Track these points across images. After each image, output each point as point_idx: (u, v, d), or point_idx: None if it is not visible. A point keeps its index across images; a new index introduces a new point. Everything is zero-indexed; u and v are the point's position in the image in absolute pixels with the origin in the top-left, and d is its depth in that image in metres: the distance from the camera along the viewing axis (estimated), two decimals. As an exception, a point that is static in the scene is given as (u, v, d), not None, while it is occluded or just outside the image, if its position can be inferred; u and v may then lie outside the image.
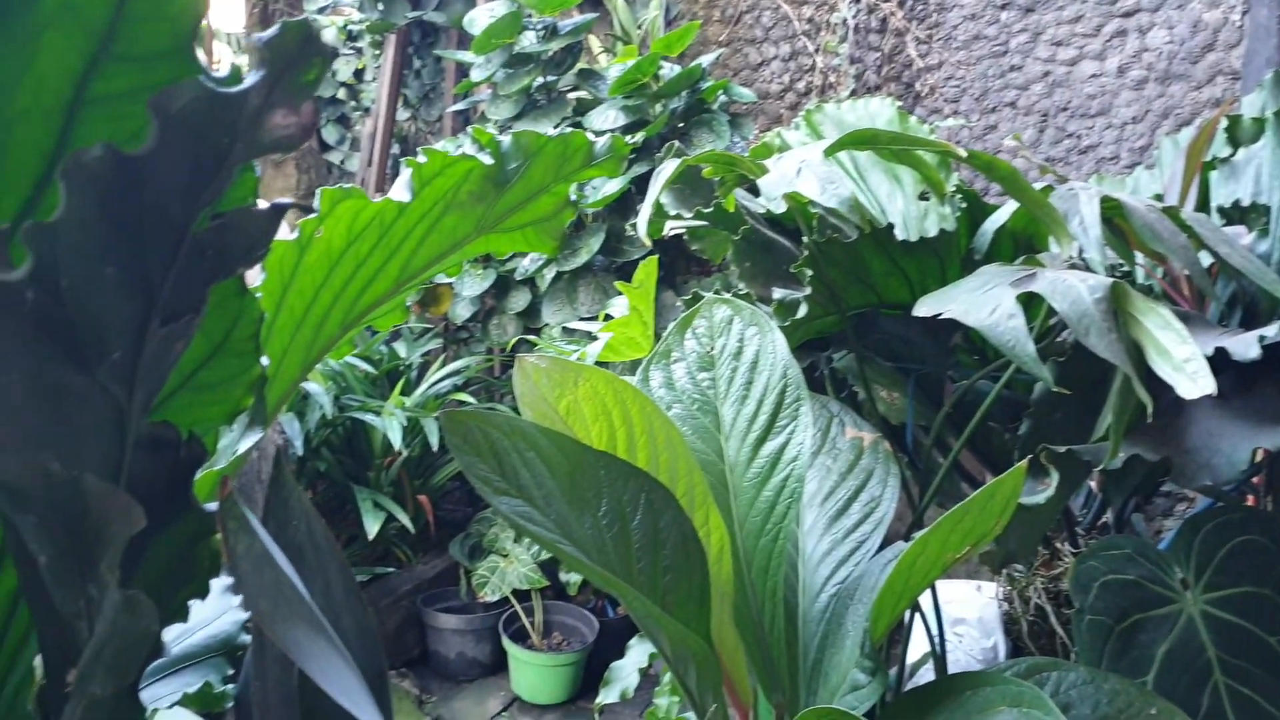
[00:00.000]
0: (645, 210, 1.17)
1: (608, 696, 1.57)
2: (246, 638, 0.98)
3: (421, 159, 0.82)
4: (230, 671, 0.97)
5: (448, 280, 3.40)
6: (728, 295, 1.22)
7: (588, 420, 1.07)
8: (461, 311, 3.39)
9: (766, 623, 1.10)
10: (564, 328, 3.03)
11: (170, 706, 0.89)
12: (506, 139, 0.89)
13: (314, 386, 3.05)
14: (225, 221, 0.35)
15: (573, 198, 1.00)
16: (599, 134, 2.77)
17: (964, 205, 1.40)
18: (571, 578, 3.22)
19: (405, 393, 3.29)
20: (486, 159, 0.87)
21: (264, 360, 0.50)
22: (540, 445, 0.98)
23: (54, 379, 0.35)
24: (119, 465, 0.40)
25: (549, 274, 3.05)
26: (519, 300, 3.25)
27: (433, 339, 3.67)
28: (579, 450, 0.99)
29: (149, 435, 0.48)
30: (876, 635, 1.00)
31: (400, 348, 3.51)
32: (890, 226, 1.26)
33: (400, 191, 0.78)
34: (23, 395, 0.34)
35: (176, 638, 0.97)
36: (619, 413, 1.06)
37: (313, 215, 0.75)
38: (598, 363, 1.55)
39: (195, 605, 1.04)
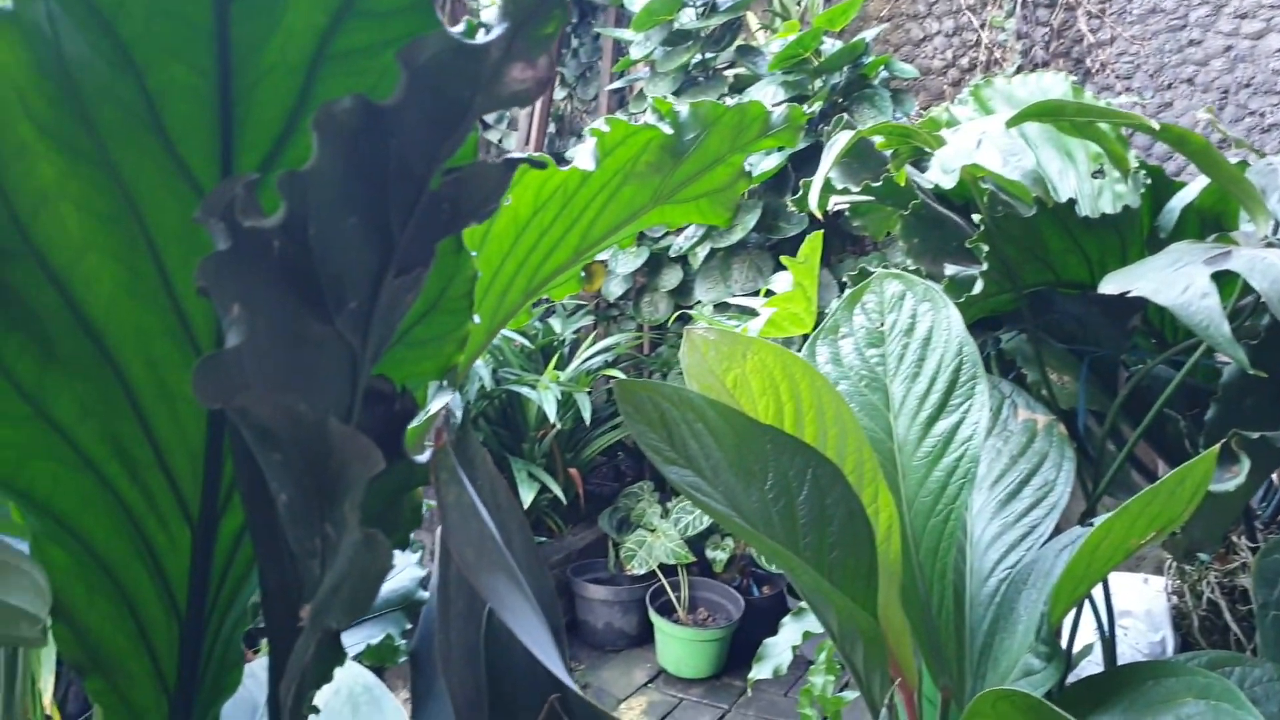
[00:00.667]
0: (817, 183, 1.16)
1: (760, 672, 1.56)
2: (424, 594, 1.02)
3: (605, 128, 0.83)
4: (408, 626, 1.00)
5: (602, 258, 3.44)
6: (898, 270, 1.20)
7: (755, 394, 1.07)
8: (614, 288, 3.43)
9: (934, 604, 1.09)
10: (716, 306, 3.03)
11: (353, 658, 0.92)
12: (684, 109, 0.90)
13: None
14: (462, 175, 0.36)
15: (747, 169, 1.00)
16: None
17: (1148, 182, 1.34)
18: (718, 555, 3.23)
19: (559, 368, 3.34)
20: (666, 129, 0.87)
21: (475, 318, 0.52)
22: (708, 417, 0.98)
23: (296, 326, 0.37)
24: (350, 411, 0.42)
25: (702, 251, 3.05)
26: (671, 278, 3.26)
27: (585, 315, 3.71)
28: (745, 423, 0.99)
29: (369, 387, 0.50)
30: (1054, 619, 0.97)
31: (555, 323, 3.57)
32: (1071, 202, 1.21)
33: (585, 160, 0.79)
34: (268, 340, 0.36)
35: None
36: (787, 387, 1.06)
37: (502, 183, 0.76)
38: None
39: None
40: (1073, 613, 1.37)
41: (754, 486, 0.99)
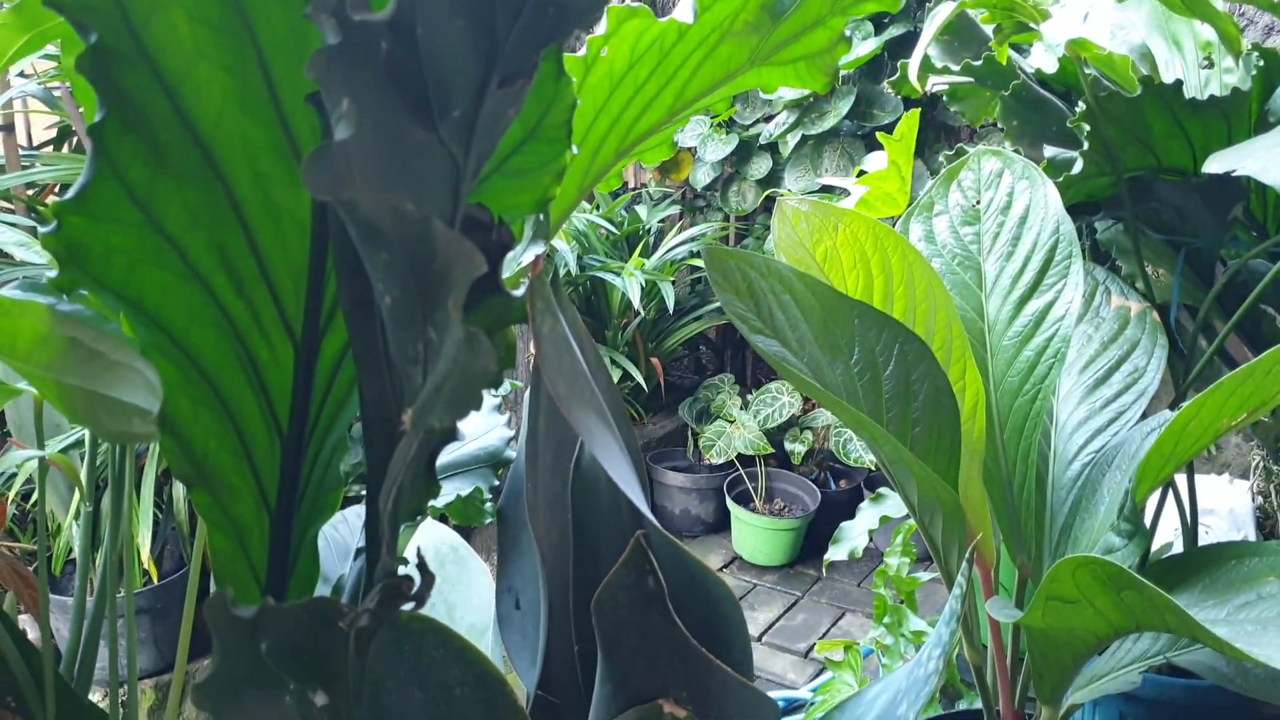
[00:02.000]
0: (916, 56, 1.13)
1: (836, 554, 1.58)
2: (511, 453, 1.04)
3: (704, -18, 0.81)
4: (495, 483, 1.03)
5: (689, 146, 3.40)
6: (998, 149, 1.17)
7: (844, 268, 1.06)
8: (701, 177, 3.39)
9: (1016, 484, 1.08)
10: (805, 194, 2.99)
11: (443, 509, 0.95)
12: (786, -31, 0.87)
13: (559, 243, 3.13)
14: (567, -20, 0.36)
15: (847, 34, 0.97)
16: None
17: (1260, 64, 1.28)
18: (796, 448, 3.24)
19: (644, 255, 3.34)
20: (766, -14, 0.85)
21: (574, 149, 0.52)
22: (795, 289, 0.98)
23: (401, 129, 0.37)
24: (451, 223, 0.43)
25: (792, 139, 3.00)
26: (760, 166, 3.21)
27: (671, 205, 3.69)
28: (833, 296, 0.98)
29: (467, 215, 0.50)
30: (1139, 497, 0.96)
31: (641, 211, 3.55)
32: (1178, 83, 1.16)
33: (684, 12, 0.78)
34: (374, 139, 0.36)
35: (449, 446, 1.04)
36: (878, 260, 1.05)
37: (598, 34, 0.75)
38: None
39: (469, 418, 1.11)
40: (1154, 506, 1.36)
41: (840, 360, 0.99)
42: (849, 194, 1.47)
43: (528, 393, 0.83)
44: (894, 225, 1.27)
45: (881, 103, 2.78)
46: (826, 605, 2.86)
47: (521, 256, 0.70)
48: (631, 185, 4.14)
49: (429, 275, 0.37)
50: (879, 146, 1.53)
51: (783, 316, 0.98)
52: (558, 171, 0.52)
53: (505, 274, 0.75)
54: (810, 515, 3.13)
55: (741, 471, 3.26)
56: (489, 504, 1.04)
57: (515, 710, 0.65)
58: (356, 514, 0.98)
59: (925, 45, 1.11)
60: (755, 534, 3.12)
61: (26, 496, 2.05)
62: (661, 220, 3.67)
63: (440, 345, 0.39)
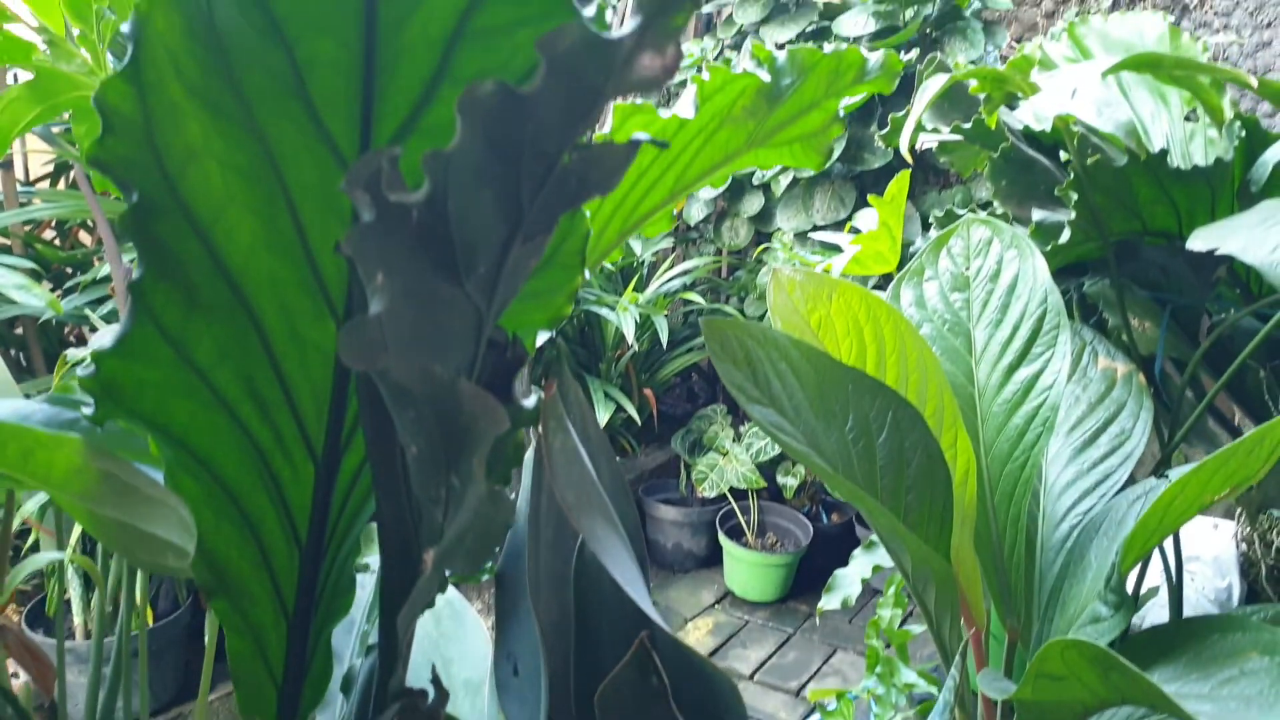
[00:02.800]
0: (909, 126, 1.16)
1: (830, 602, 1.60)
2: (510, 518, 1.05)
3: (705, 75, 0.84)
4: (496, 549, 1.04)
5: (683, 181, 3.44)
6: (984, 215, 1.19)
7: (838, 335, 1.09)
8: (695, 212, 3.43)
9: (1006, 548, 1.11)
10: (797, 234, 3.02)
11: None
12: (782, 55, 0.90)
13: (551, 279, 3.15)
14: (590, 154, 0.38)
15: (841, 113, 1.00)
16: (848, 40, 2.73)
17: (1242, 134, 1.31)
18: (789, 481, 3.26)
19: (638, 289, 3.36)
20: (764, 75, 0.88)
21: (587, 274, 0.54)
22: (791, 356, 1.00)
23: (429, 288, 0.40)
24: (473, 367, 0.45)
25: (785, 179, 3.03)
26: (753, 204, 3.25)
27: (665, 238, 3.72)
28: (828, 363, 1.00)
29: (487, 338, 0.53)
30: (1124, 569, 0.98)
31: (634, 245, 3.58)
32: (1164, 153, 1.20)
33: (685, 108, 0.81)
34: (404, 303, 0.38)
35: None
36: (870, 329, 1.07)
37: (605, 131, 0.78)
38: (843, 276, 1.55)
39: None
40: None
41: (834, 427, 1.02)
42: (841, 249, 1.50)
43: (530, 458, 0.85)
44: (885, 286, 1.29)
45: (872, 147, 2.81)
46: (819, 643, 2.87)
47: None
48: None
49: (454, 429, 0.39)
50: (870, 187, 1.56)
51: (779, 385, 1.00)
52: (571, 292, 0.54)
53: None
54: (802, 550, 3.15)
55: (734, 505, 3.27)
56: (489, 563, 1.06)
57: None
58: (360, 584, 1.00)
59: (917, 116, 1.14)
60: (747, 569, 3.13)
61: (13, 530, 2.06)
62: (655, 253, 3.70)
63: (463, 493, 0.41)
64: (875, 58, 0.97)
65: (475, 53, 0.41)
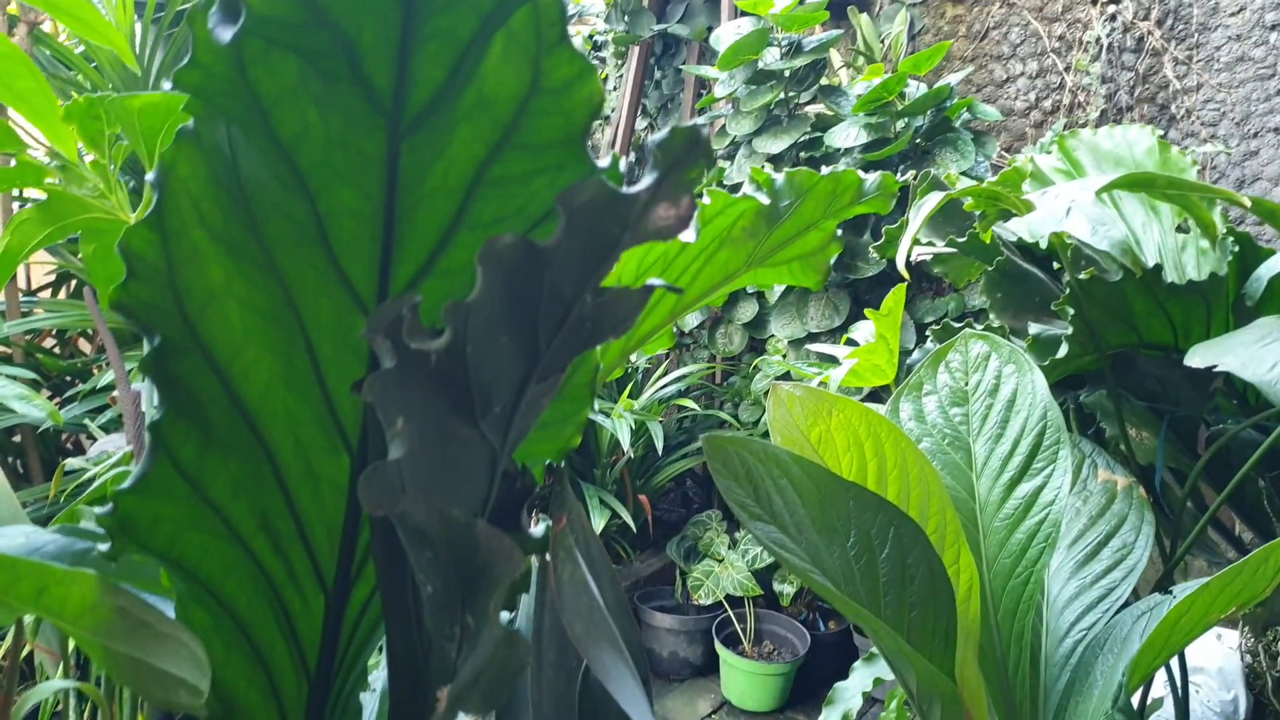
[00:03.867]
0: (904, 242, 1.18)
1: (830, 716, 1.57)
2: (511, 636, 1.05)
3: (706, 200, 0.86)
4: (509, 690, 1.03)
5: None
6: (980, 327, 1.21)
7: (839, 451, 1.09)
8: (690, 319, 3.46)
9: (1011, 665, 1.09)
10: (792, 342, 3.05)
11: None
12: (780, 178, 0.92)
13: (547, 385, 3.17)
14: (605, 300, 0.39)
15: (839, 233, 1.02)
16: (839, 151, 2.76)
17: (1236, 249, 1.34)
18: (785, 589, 3.23)
19: (632, 395, 3.38)
20: (763, 198, 0.90)
21: (595, 405, 0.55)
22: (792, 473, 1.01)
23: (446, 429, 0.40)
24: (486, 503, 0.45)
25: (779, 288, 3.06)
26: (747, 311, 3.28)
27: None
28: (829, 479, 1.01)
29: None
30: (1131, 686, 0.97)
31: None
32: (1159, 268, 1.22)
33: (688, 233, 0.82)
34: (422, 447, 0.39)
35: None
36: (871, 445, 1.08)
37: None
38: (840, 388, 1.56)
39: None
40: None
41: (836, 543, 1.01)
42: (839, 362, 1.51)
43: (534, 577, 0.84)
44: (881, 398, 1.30)
45: (866, 255, 2.85)
46: (818, 754, 2.81)
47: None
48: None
49: (470, 569, 0.39)
50: (864, 295, 1.58)
51: (780, 501, 1.00)
52: (579, 424, 0.55)
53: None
54: (800, 659, 3.10)
55: (730, 613, 3.24)
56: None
57: None
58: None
59: (913, 233, 1.16)
60: (744, 678, 3.08)
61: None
62: (649, 360, 3.72)
63: (477, 633, 0.41)
64: (872, 179, 0.99)
65: (492, 200, 0.42)
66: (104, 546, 0.45)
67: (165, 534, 0.47)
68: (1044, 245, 1.18)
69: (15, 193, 2.53)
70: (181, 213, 0.44)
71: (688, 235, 0.85)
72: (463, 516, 0.38)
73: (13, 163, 1.09)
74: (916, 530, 1.01)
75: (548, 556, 0.63)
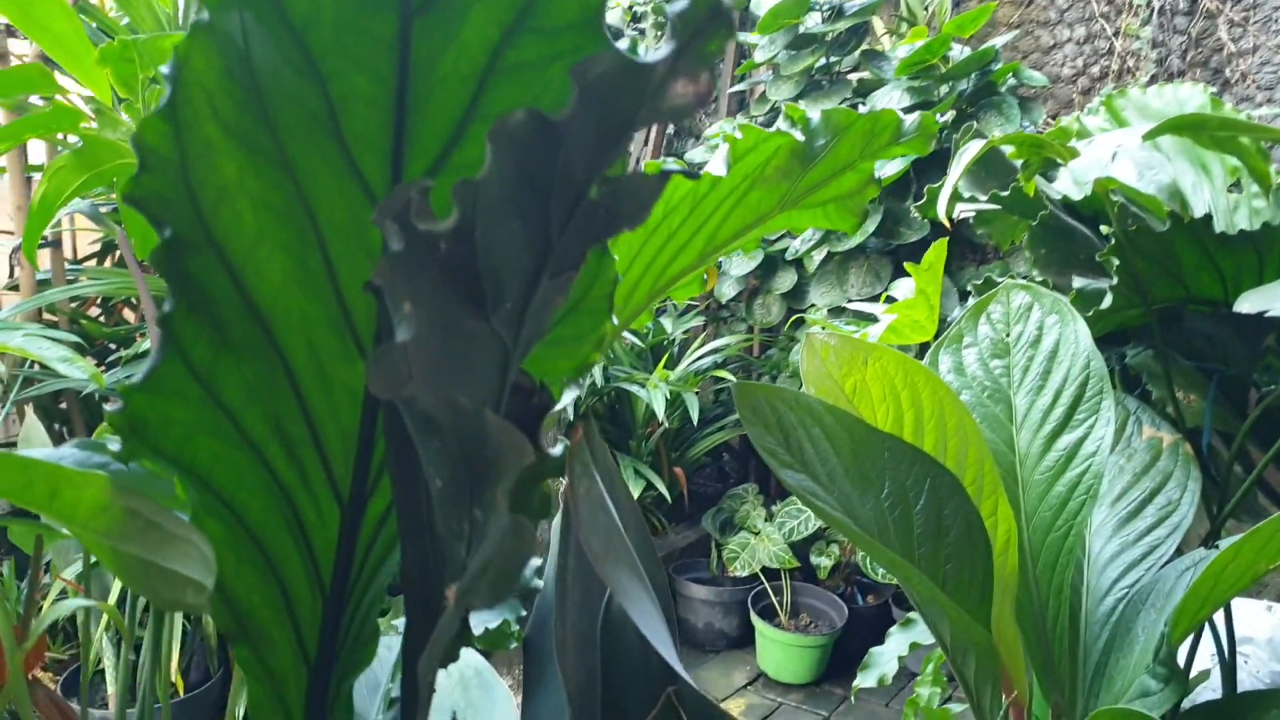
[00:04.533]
0: (945, 192, 1.15)
1: (865, 680, 1.56)
2: (539, 583, 1.04)
3: (737, 134, 0.84)
4: (524, 613, 1.03)
5: (716, 260, 3.45)
6: (1025, 281, 1.18)
7: (874, 401, 1.07)
8: (726, 290, 3.43)
9: (1049, 620, 1.07)
10: (831, 310, 3.01)
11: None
12: (816, 115, 0.90)
13: (584, 354, 3.16)
14: (619, 185, 0.38)
15: (877, 176, 1.00)
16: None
17: (1290, 198, 1.30)
18: (823, 561, 3.21)
19: (668, 367, 3.36)
20: (798, 135, 0.88)
21: (615, 319, 0.54)
22: (825, 422, 0.99)
23: (456, 321, 0.39)
24: (499, 403, 0.44)
25: (818, 255, 3.03)
26: (785, 281, 3.25)
27: (696, 316, 3.72)
28: (863, 430, 0.99)
29: (513, 383, 0.52)
30: (1174, 640, 0.95)
31: (665, 323, 3.59)
32: (1208, 217, 1.18)
33: (717, 166, 0.81)
34: (430, 334, 0.38)
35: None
36: (908, 395, 1.06)
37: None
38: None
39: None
40: (1190, 637, 1.34)
41: (870, 494, 1.00)
42: (876, 320, 1.49)
43: (557, 525, 0.83)
44: (921, 354, 1.28)
45: (908, 221, 2.82)
46: (854, 726, 2.80)
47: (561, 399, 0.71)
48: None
49: (479, 461, 0.38)
50: (906, 262, 1.55)
51: (812, 450, 0.99)
52: (598, 340, 0.53)
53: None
54: (837, 632, 3.08)
55: (766, 585, 3.22)
56: (517, 629, 1.04)
57: None
58: (387, 645, 0.98)
59: (953, 182, 1.14)
60: (780, 650, 3.07)
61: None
62: (686, 331, 3.70)
63: (486, 526, 0.40)
64: (911, 119, 0.97)
65: (507, 88, 0.41)
66: (115, 446, 0.44)
67: (177, 438, 0.46)
68: (1089, 194, 1.15)
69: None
70: (195, 105, 0.42)
71: (718, 167, 0.83)
72: (471, 404, 0.37)
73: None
74: (953, 481, 0.99)
75: (567, 498, 0.61)
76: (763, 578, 3.23)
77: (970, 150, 1.15)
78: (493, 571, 0.39)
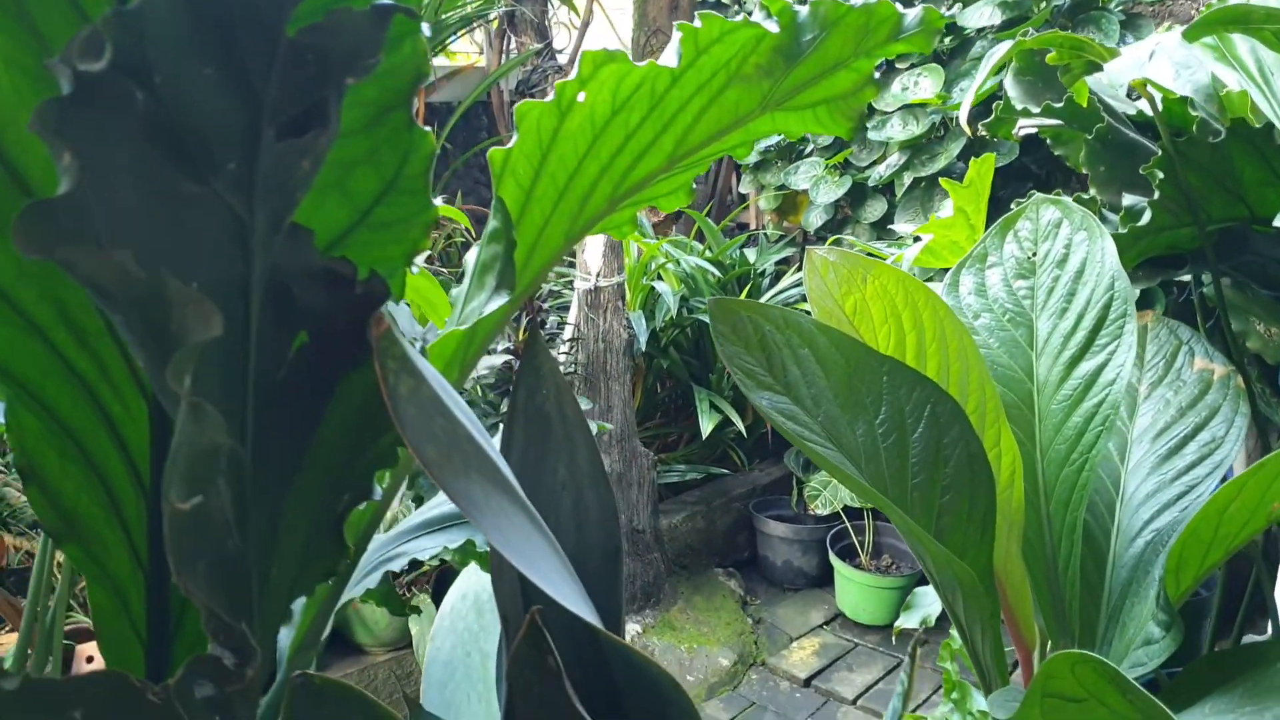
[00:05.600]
0: (968, 98, 1.07)
1: (908, 621, 1.50)
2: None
3: (697, 24, 0.78)
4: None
5: (803, 188, 3.35)
6: (1058, 196, 1.09)
7: (875, 323, 1.01)
8: (815, 219, 3.33)
9: (1061, 561, 1.00)
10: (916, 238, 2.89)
11: (431, 558, 0.93)
12: (803, 8, 0.83)
13: (663, 286, 3.11)
14: (319, 25, 0.33)
15: (876, 75, 0.92)
16: (974, 31, 2.56)
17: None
18: (906, 501, 3.12)
19: (754, 298, 3.28)
20: (771, 26, 0.81)
21: (437, 201, 0.49)
22: (817, 343, 0.93)
23: (163, 183, 0.35)
24: (246, 285, 0.40)
25: (907, 179, 2.91)
26: (875, 209, 3.13)
27: (785, 247, 3.63)
28: (861, 352, 0.92)
29: (324, 269, 0.48)
30: (1182, 587, 0.87)
31: (750, 254, 3.51)
32: (1269, 126, 1.07)
33: (669, 57, 0.75)
34: (135, 197, 0.34)
35: (443, 500, 1.02)
36: (909, 315, 0.98)
37: (571, 78, 0.72)
38: (916, 268, 1.45)
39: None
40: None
41: (862, 419, 0.93)
42: (919, 240, 1.40)
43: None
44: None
45: (995, 143, 2.67)
46: (929, 671, 2.73)
47: (485, 308, 0.67)
48: (751, 227, 4.10)
49: (165, 338, 0.34)
50: (942, 180, 1.46)
51: (798, 372, 0.93)
52: (426, 223, 0.49)
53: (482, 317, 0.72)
54: (917, 574, 3.00)
55: (847, 524, 3.15)
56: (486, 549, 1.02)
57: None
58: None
59: (978, 83, 1.05)
60: (859, 591, 3.01)
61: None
62: (779, 263, 3.61)
63: (175, 407, 0.36)
64: (913, 13, 0.89)
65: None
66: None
67: (-47, 320, 0.44)
68: (1124, 94, 1.05)
69: None
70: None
71: (669, 59, 0.77)
72: (139, 271, 0.33)
73: None
74: (956, 409, 0.92)
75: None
76: (844, 517, 3.16)
77: (997, 51, 1.06)
78: (181, 463, 0.35)
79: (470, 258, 0.74)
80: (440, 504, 0.98)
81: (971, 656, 0.93)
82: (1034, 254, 1.07)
